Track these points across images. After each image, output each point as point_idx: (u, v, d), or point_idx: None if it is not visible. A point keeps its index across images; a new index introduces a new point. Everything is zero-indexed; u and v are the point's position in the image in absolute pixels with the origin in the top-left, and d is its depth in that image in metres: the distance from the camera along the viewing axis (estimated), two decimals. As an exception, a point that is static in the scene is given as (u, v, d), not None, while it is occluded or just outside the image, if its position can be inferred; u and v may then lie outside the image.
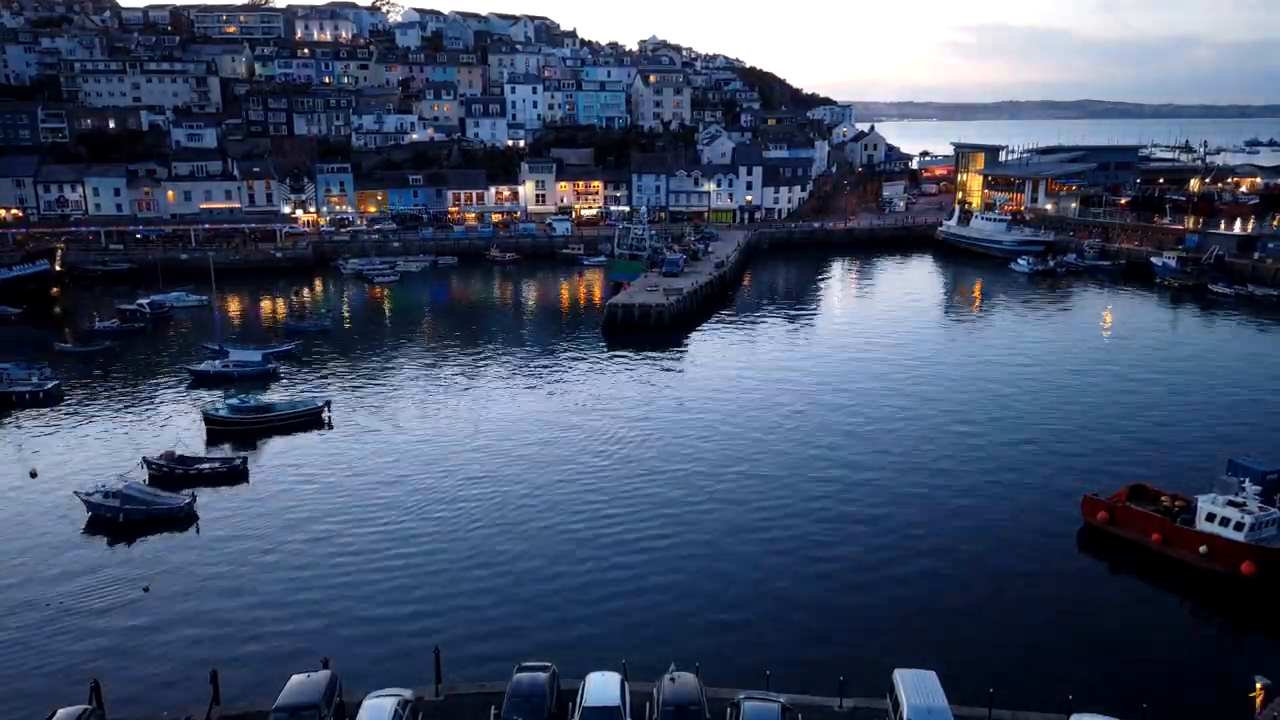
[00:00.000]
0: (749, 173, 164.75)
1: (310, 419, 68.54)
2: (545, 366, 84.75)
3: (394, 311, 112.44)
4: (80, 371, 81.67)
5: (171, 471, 57.65)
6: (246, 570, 46.77)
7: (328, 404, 70.42)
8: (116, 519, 51.40)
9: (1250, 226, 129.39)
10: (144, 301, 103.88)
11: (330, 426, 68.17)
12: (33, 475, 58.04)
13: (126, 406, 73.29)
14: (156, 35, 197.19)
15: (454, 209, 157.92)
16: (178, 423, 68.43)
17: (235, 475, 58.51)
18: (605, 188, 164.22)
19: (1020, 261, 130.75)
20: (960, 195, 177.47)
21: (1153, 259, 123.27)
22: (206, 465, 58.85)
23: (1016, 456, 61.40)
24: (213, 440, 65.16)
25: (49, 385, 74.65)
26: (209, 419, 67.05)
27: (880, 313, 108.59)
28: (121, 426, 68.48)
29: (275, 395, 74.28)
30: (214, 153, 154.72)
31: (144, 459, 58.55)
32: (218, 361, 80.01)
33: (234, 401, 68.75)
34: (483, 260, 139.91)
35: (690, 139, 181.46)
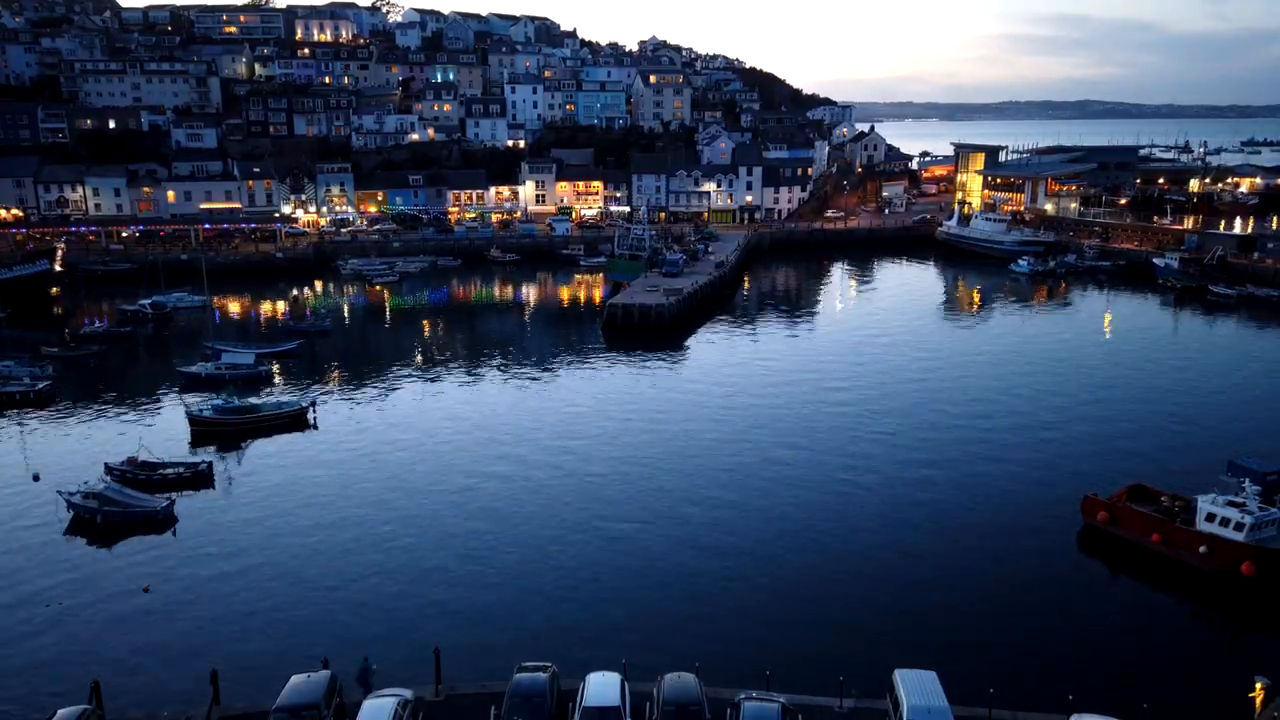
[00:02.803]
0: (749, 173, 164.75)
1: (294, 419, 68.51)
2: (545, 367, 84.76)
3: (393, 312, 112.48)
4: (72, 373, 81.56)
5: (135, 477, 56.99)
6: (246, 571, 46.75)
7: (312, 404, 70.36)
8: (94, 519, 51.25)
9: (1250, 226, 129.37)
10: (146, 302, 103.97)
11: (315, 427, 68.19)
12: (35, 479, 57.97)
13: (115, 409, 73.22)
14: (156, 35, 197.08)
15: (454, 209, 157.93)
16: (162, 425, 68.22)
17: (200, 480, 58.00)
18: (605, 188, 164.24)
19: (1020, 262, 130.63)
20: (960, 196, 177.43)
21: (1154, 260, 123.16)
22: (171, 471, 58.07)
23: (1017, 457, 61.40)
24: (198, 441, 65.09)
25: (40, 386, 74.65)
26: (193, 420, 66.97)
27: (880, 313, 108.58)
28: (108, 429, 68.36)
29: (260, 395, 74.24)
30: (214, 153, 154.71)
31: (106, 465, 58.01)
32: (209, 364, 79.74)
33: (218, 402, 68.62)
34: (483, 260, 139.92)
35: (690, 139, 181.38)
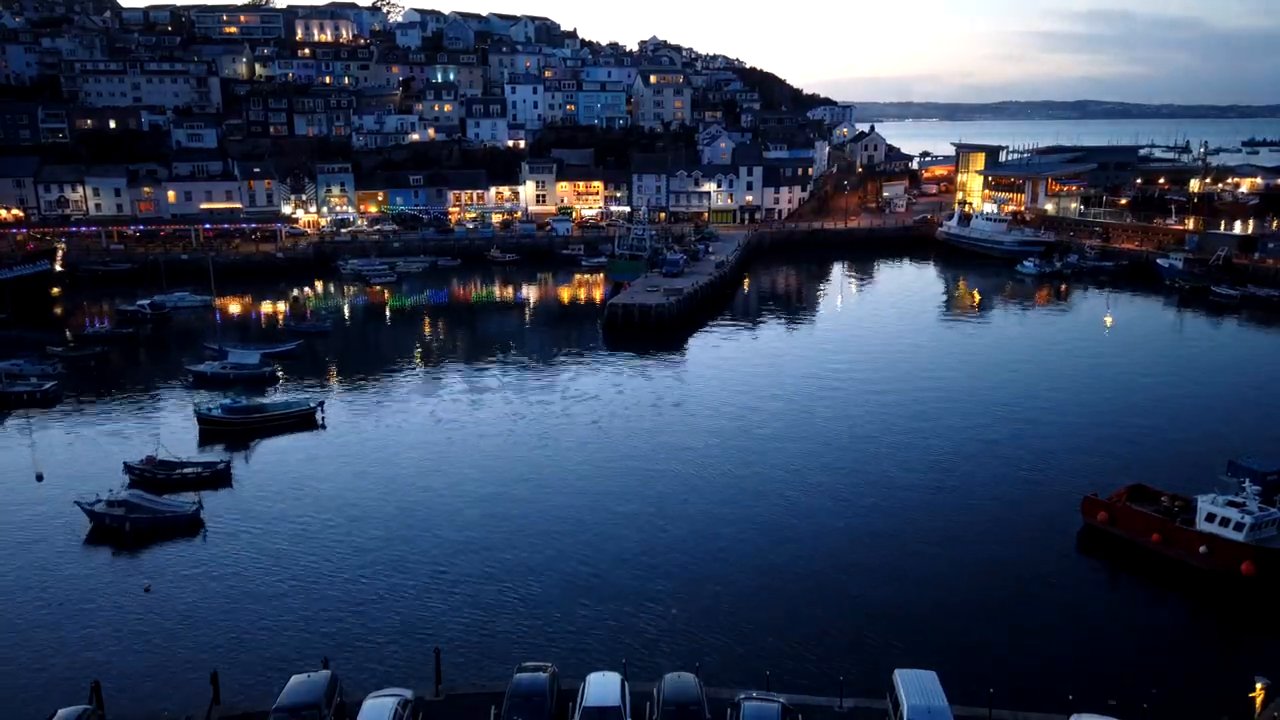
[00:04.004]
0: (749, 173, 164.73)
1: (303, 419, 68.50)
2: (545, 367, 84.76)
3: (393, 312, 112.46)
4: (77, 373, 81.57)
5: (153, 476, 57.03)
6: (246, 571, 46.77)
7: (320, 404, 70.35)
8: (123, 527, 50.24)
9: (1250, 226, 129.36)
10: (144, 303, 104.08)
11: (323, 427, 68.19)
12: (39, 479, 57.99)
13: (122, 408, 73.30)
14: (156, 35, 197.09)
15: (454, 209, 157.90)
16: (170, 425, 68.25)
17: (218, 479, 58.00)
18: (605, 188, 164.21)
19: (1027, 263, 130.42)
20: (960, 196, 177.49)
21: (1158, 260, 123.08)
22: (190, 470, 58.12)
23: (1017, 456, 61.40)
24: (205, 440, 65.14)
25: (47, 386, 74.68)
26: (202, 419, 67.03)
27: (880, 314, 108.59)
28: (117, 429, 68.42)
29: (268, 395, 74.23)
30: (214, 153, 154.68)
31: (125, 464, 58.05)
32: (217, 363, 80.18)
33: (226, 401, 68.76)
34: (483, 261, 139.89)
35: (690, 139, 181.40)
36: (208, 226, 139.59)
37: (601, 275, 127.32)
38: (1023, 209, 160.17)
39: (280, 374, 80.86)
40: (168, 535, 50.67)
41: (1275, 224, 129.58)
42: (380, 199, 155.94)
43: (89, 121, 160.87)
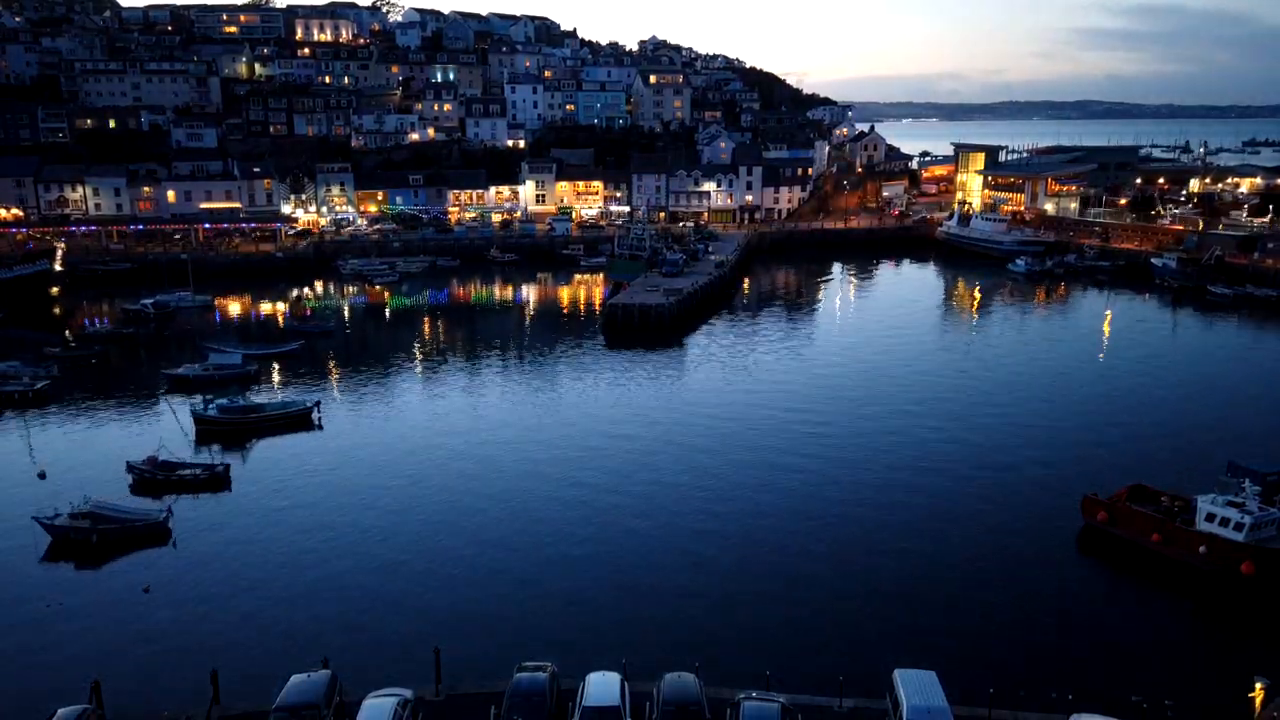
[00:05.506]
0: (749, 173, 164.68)
1: (299, 419, 68.34)
2: (545, 367, 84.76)
3: (393, 312, 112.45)
4: (72, 373, 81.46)
5: (154, 477, 56.90)
6: (245, 570, 46.76)
7: (317, 404, 70.12)
8: (89, 540, 48.70)
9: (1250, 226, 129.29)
10: (148, 302, 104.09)
11: (320, 427, 68.11)
12: (41, 476, 57.94)
13: (117, 408, 73.20)
14: (156, 35, 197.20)
15: (454, 209, 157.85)
16: (166, 425, 68.00)
17: (217, 482, 57.74)
18: (605, 188, 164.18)
19: (1018, 262, 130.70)
20: (960, 195, 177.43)
21: (1152, 260, 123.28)
22: (188, 471, 57.86)
23: (1016, 457, 61.41)
24: (201, 440, 65.00)
25: (39, 385, 74.48)
26: (198, 418, 66.82)
27: (879, 313, 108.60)
28: (111, 428, 68.42)
29: (264, 395, 74.02)
30: (214, 152, 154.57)
31: (127, 463, 58.02)
32: (196, 365, 79.39)
33: (223, 401, 68.50)
34: (483, 261, 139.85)
35: (690, 139, 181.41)
36: (207, 226, 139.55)
37: (601, 275, 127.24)
38: (1022, 209, 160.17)
39: (262, 373, 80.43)
40: (138, 544, 49.55)
41: (1269, 221, 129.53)
42: (380, 199, 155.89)
43: (89, 121, 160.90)
